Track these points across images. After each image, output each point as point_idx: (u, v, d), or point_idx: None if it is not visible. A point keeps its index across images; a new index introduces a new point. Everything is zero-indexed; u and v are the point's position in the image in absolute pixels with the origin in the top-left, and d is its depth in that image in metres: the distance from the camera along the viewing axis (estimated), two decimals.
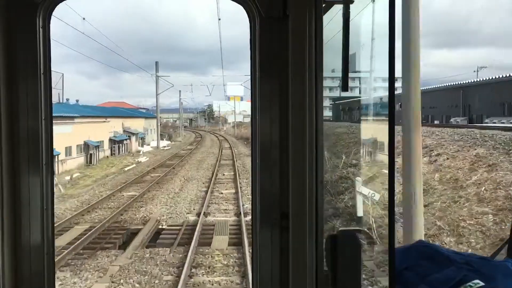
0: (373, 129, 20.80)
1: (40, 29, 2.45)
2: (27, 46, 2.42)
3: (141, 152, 50.87)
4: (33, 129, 2.44)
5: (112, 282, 10.87)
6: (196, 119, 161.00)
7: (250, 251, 9.96)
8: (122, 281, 10.93)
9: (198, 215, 17.35)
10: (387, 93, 1.71)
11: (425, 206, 10.93)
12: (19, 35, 2.41)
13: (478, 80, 47.88)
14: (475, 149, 16.87)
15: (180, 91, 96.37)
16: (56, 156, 29.03)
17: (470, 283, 2.05)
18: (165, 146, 62.24)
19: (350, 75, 2.61)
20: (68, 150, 35.39)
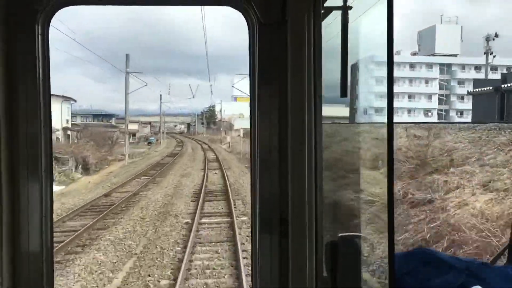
0: None
1: (39, 36, 2.46)
2: (26, 52, 2.43)
3: None
4: (33, 136, 2.44)
5: None
6: (194, 124, 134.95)
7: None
8: None
9: None
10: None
11: None
12: (19, 41, 2.42)
13: None
14: None
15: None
16: None
17: None
18: None
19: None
20: None
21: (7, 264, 2.39)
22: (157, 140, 79.85)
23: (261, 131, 2.51)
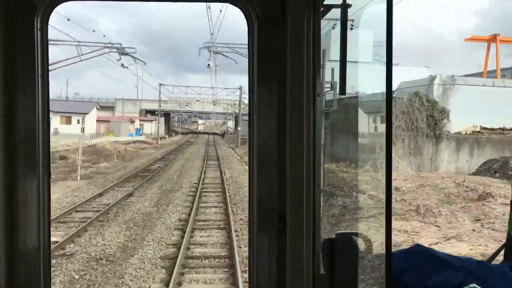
0: None
1: (38, 31, 2.44)
2: (25, 48, 2.42)
3: None
4: (30, 131, 2.43)
5: None
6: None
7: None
8: None
9: None
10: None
11: None
12: (17, 37, 2.41)
13: None
14: None
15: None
16: None
17: (467, 287, 2.05)
18: None
19: None
20: None
21: (4, 260, 2.38)
22: None
23: (259, 128, 2.51)
